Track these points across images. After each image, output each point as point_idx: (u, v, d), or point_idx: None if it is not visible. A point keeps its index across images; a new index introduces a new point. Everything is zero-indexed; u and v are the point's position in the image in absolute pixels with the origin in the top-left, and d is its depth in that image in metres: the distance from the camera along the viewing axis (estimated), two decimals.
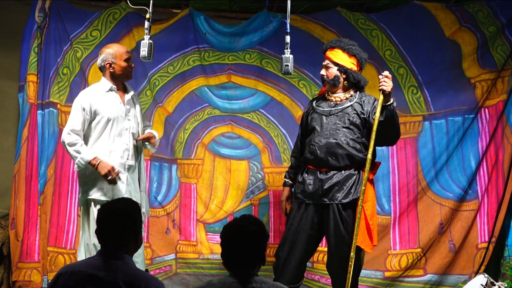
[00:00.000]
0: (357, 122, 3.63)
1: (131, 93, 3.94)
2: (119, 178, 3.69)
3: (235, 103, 5.21)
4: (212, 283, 2.44)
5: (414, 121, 5.12)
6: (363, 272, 4.91)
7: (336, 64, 3.69)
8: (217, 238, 5.04)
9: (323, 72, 3.75)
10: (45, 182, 4.84)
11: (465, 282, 4.67)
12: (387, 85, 3.47)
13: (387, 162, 5.10)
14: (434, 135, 5.07)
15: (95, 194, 3.68)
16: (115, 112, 3.77)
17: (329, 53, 3.75)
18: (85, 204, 3.75)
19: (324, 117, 3.69)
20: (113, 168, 3.65)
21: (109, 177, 3.65)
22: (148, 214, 4.06)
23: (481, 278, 3.84)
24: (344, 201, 3.56)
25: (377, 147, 4.94)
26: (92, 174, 3.71)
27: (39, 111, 4.88)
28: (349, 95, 3.73)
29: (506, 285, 3.97)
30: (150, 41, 3.66)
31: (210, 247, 5.01)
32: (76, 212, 4.86)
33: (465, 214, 4.98)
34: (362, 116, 3.64)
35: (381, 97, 3.51)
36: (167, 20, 5.14)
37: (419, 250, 4.96)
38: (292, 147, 4.56)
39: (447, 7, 5.11)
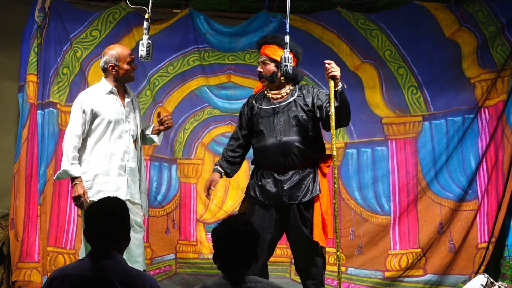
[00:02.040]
0: (304, 117, 3.59)
1: (132, 95, 3.93)
2: (84, 207, 3.65)
3: (235, 103, 5.20)
4: (206, 285, 2.44)
5: (414, 121, 5.12)
6: (363, 272, 4.94)
7: (273, 60, 3.64)
8: None
9: (260, 68, 3.69)
10: (45, 182, 4.84)
11: (465, 282, 4.67)
12: (336, 70, 3.44)
13: (387, 162, 5.10)
14: (434, 135, 5.08)
15: (95, 196, 3.66)
16: (115, 114, 3.75)
17: (266, 50, 3.69)
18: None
19: (270, 117, 3.65)
20: (84, 193, 3.64)
21: (77, 202, 3.66)
22: (147, 215, 4.05)
23: (481, 278, 3.84)
24: (304, 200, 3.54)
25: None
26: (91, 175, 3.70)
27: (39, 111, 4.88)
28: (289, 90, 3.68)
29: (506, 285, 3.97)
30: (149, 41, 3.65)
31: (210, 247, 5.00)
32: (76, 212, 4.85)
33: (465, 214, 4.98)
34: (306, 109, 3.60)
35: (332, 83, 3.45)
36: (167, 20, 5.14)
37: (419, 250, 4.96)
38: None
39: (447, 7, 5.11)
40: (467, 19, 5.06)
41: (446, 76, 5.10)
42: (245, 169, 5.14)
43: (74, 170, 3.65)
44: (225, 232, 2.44)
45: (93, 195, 3.65)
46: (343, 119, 3.54)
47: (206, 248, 5.01)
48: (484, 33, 5.03)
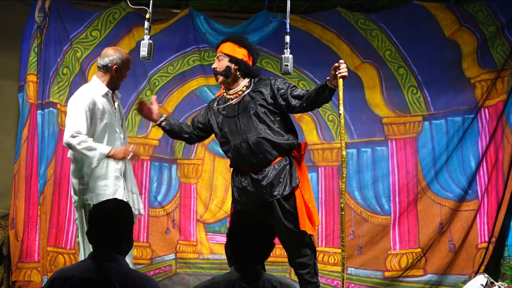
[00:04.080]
0: (264, 111, 3.56)
1: (119, 97, 3.89)
2: (139, 157, 3.63)
3: None
4: (215, 280, 2.41)
5: (414, 121, 5.12)
6: (363, 272, 4.94)
7: (227, 55, 3.63)
8: (217, 238, 5.07)
9: (214, 65, 3.68)
10: (45, 182, 4.84)
11: (465, 282, 4.67)
12: (346, 71, 3.38)
13: (387, 162, 5.10)
14: (434, 135, 5.08)
15: (93, 199, 3.62)
16: (110, 117, 3.71)
17: (221, 47, 3.69)
18: (84, 208, 3.68)
19: (231, 119, 3.63)
20: (126, 149, 3.58)
21: (128, 157, 3.58)
22: (143, 213, 4.01)
23: (481, 278, 3.84)
24: (285, 193, 3.53)
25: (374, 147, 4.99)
26: (90, 178, 3.67)
27: (39, 111, 4.89)
28: (245, 88, 3.64)
29: (506, 285, 3.97)
30: (150, 41, 3.64)
31: (210, 247, 5.01)
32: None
33: (465, 214, 4.98)
34: (265, 103, 3.56)
35: (341, 82, 3.39)
36: (167, 20, 5.14)
37: (419, 250, 4.97)
38: None
39: (447, 7, 5.11)
40: (467, 19, 5.07)
41: (446, 76, 5.11)
42: None
43: (104, 148, 3.53)
44: (247, 226, 2.40)
45: (92, 197, 3.61)
46: (315, 107, 3.57)
47: (206, 248, 5.01)
48: (484, 33, 5.03)
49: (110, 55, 3.68)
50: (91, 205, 3.59)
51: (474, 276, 4.54)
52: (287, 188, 3.53)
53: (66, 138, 3.52)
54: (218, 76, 3.66)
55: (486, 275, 3.85)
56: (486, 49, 5.03)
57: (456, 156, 5.05)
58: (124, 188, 3.70)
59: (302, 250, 3.58)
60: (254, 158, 3.55)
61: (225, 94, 3.72)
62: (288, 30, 3.58)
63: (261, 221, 2.42)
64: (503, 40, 5.00)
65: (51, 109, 4.93)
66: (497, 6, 5.01)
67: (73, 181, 3.71)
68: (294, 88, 3.53)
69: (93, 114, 3.62)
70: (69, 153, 3.74)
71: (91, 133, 3.60)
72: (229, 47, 3.64)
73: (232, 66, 3.61)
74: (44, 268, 4.75)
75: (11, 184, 4.85)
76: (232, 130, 3.61)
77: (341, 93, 3.39)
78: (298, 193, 3.53)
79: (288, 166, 3.56)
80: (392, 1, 5.23)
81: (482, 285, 3.74)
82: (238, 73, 3.62)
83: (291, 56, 3.51)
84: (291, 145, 3.58)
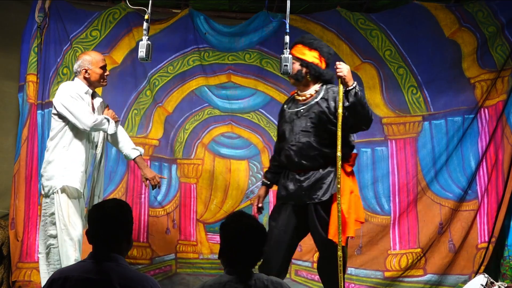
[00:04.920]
0: (324, 119, 3.56)
1: (100, 100, 3.99)
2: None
3: (235, 103, 5.21)
4: (207, 284, 2.43)
5: (414, 121, 5.12)
6: (363, 272, 4.94)
7: (298, 59, 3.65)
8: (217, 238, 5.02)
9: None
10: None
11: (465, 282, 4.67)
12: (342, 70, 3.42)
13: (386, 162, 5.10)
14: (434, 135, 5.08)
15: (71, 182, 3.73)
16: None
17: (293, 50, 3.70)
18: (63, 192, 3.74)
19: (293, 119, 3.66)
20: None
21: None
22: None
23: (481, 278, 3.85)
24: (324, 198, 3.52)
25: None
26: (67, 164, 3.75)
27: (39, 111, 4.89)
28: (315, 91, 3.66)
29: (506, 285, 3.98)
30: (148, 42, 3.65)
31: (210, 247, 5.02)
32: None
33: (464, 214, 4.98)
34: (328, 111, 3.56)
35: (340, 84, 3.43)
36: (167, 20, 5.15)
37: (419, 250, 4.96)
38: None
39: (447, 7, 5.12)
40: (467, 19, 5.07)
41: (446, 76, 5.11)
42: (245, 169, 5.15)
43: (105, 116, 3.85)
44: (238, 228, 2.42)
45: (67, 181, 3.72)
46: (359, 121, 3.51)
47: (206, 248, 5.01)
48: (484, 33, 5.03)
49: (78, 59, 3.93)
50: (69, 187, 3.74)
51: (474, 276, 4.54)
52: (326, 194, 3.52)
53: (90, 123, 3.74)
54: (290, 78, 3.71)
55: (486, 275, 3.86)
56: (486, 49, 5.03)
57: (456, 156, 5.05)
58: (85, 180, 3.84)
59: (329, 260, 3.52)
60: (301, 161, 3.57)
61: (296, 95, 3.76)
62: (288, 30, 3.59)
63: (252, 224, 2.43)
64: (503, 40, 5.00)
65: (51, 109, 4.90)
66: (497, 6, 5.01)
67: (51, 168, 3.80)
68: None
69: None
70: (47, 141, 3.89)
71: (71, 125, 3.78)
72: (300, 50, 3.67)
73: (303, 70, 3.63)
74: None
75: (11, 184, 4.86)
76: (289, 130, 3.65)
77: (340, 94, 3.41)
78: (335, 202, 3.49)
79: (333, 173, 3.55)
80: (392, 1, 5.24)
81: (482, 285, 3.75)
82: (308, 76, 3.64)
83: (290, 56, 3.51)
84: (342, 157, 3.51)
